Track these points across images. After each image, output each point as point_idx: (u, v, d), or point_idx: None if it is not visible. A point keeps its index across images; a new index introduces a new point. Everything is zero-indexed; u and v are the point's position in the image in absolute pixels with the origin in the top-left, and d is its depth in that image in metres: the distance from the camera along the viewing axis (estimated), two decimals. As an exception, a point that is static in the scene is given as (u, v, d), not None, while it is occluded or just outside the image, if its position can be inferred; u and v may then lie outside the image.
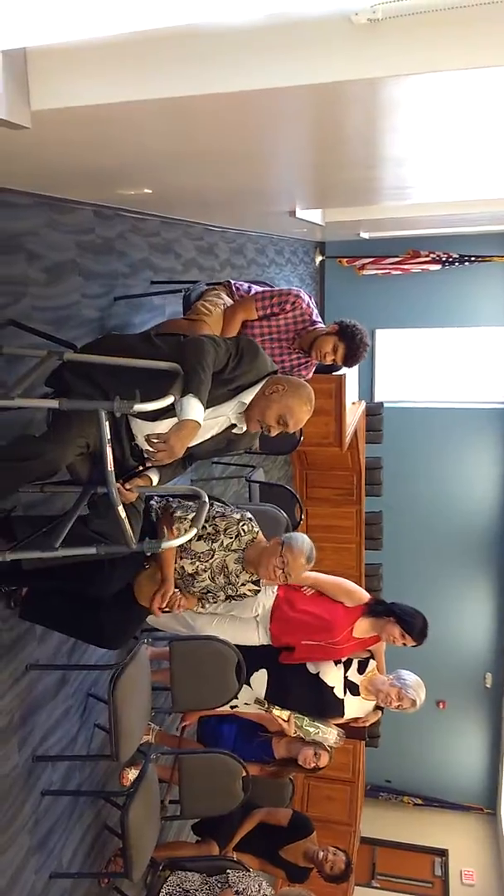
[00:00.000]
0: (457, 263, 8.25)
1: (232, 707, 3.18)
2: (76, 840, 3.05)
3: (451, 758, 9.91)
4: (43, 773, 2.79)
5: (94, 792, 3.16)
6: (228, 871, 3.11)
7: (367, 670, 3.05)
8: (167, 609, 2.65)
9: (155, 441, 2.04)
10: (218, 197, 3.55)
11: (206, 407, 2.11)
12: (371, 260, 8.42)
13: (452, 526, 9.31)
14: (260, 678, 3.06)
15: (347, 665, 3.04)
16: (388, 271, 8.40)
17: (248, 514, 2.76)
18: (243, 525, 2.69)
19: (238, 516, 2.72)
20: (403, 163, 2.89)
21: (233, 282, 3.40)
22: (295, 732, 3.05)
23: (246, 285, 3.39)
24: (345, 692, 3.02)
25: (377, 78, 1.42)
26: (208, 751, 3.29)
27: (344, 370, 5.61)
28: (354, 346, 3.17)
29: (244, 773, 3.02)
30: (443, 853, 9.45)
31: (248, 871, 3.14)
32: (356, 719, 3.10)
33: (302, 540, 2.70)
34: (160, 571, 2.64)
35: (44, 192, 2.71)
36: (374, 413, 7.93)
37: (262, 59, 1.41)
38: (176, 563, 2.73)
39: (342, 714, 3.04)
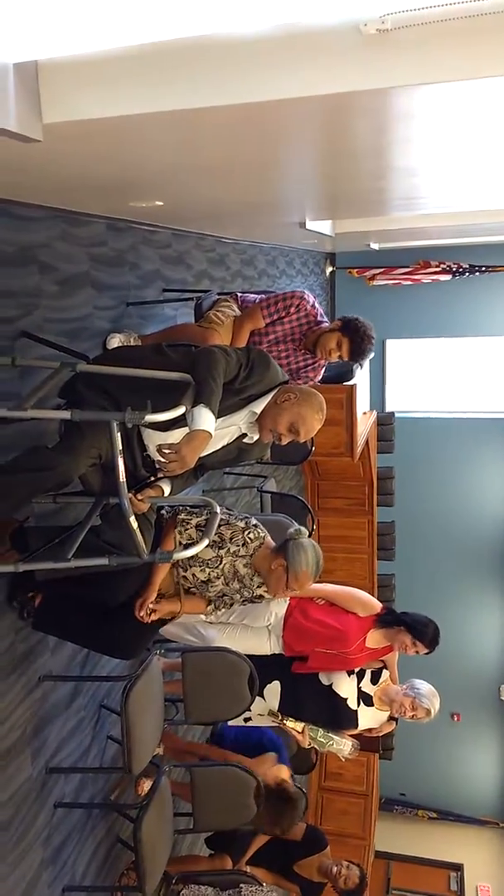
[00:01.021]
0: (467, 273, 8.24)
1: (245, 720, 3.16)
2: (89, 853, 3.03)
3: (466, 771, 9.79)
4: (56, 786, 2.78)
5: (107, 804, 3.14)
6: (241, 885, 3.08)
7: (381, 680, 3.02)
8: (154, 618, 2.61)
9: (166, 452, 2.05)
10: (229, 209, 3.57)
11: (217, 417, 2.11)
12: (381, 270, 8.43)
13: (465, 536, 9.24)
14: (273, 690, 3.04)
15: (360, 676, 3.01)
16: (398, 282, 8.40)
17: (253, 521, 2.74)
18: (249, 533, 2.68)
19: (242, 524, 2.70)
20: (414, 173, 2.90)
21: (239, 295, 3.41)
22: (309, 744, 3.02)
23: (251, 296, 3.40)
24: (358, 703, 3.00)
25: (387, 88, 1.42)
26: (221, 763, 3.26)
27: (355, 380, 5.61)
28: (359, 339, 3.16)
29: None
30: (458, 868, 9.31)
31: (262, 885, 3.11)
32: (370, 730, 3.08)
33: (305, 562, 2.62)
34: (153, 577, 2.62)
35: (57, 206, 2.74)
36: (385, 423, 7.91)
37: (271, 71, 1.42)
38: (186, 570, 2.72)
39: (356, 725, 3.01)
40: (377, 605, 3.03)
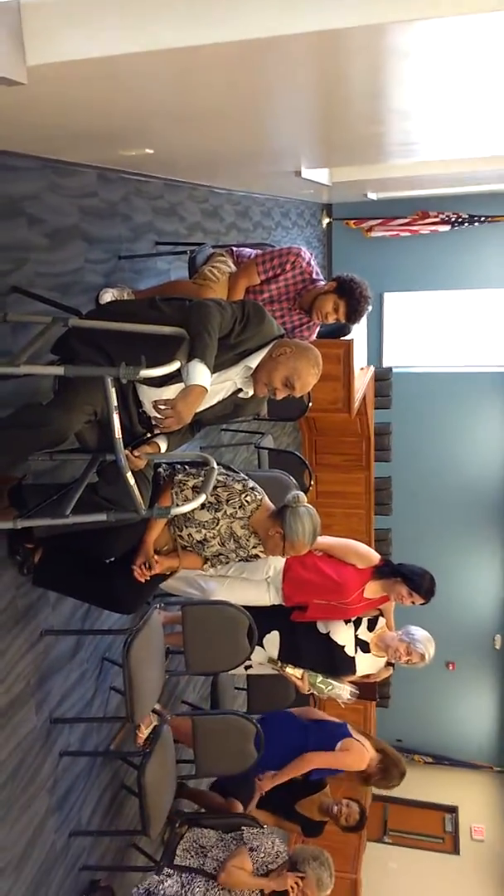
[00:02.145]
0: (466, 224, 8.08)
1: (246, 668, 3.22)
2: (94, 799, 3.12)
3: (461, 718, 10.07)
4: (60, 735, 2.85)
5: (112, 753, 3.22)
6: (243, 827, 3.18)
7: (377, 627, 3.09)
8: (154, 572, 2.64)
9: (162, 408, 2.03)
10: (222, 157, 3.47)
11: (213, 372, 2.09)
12: (379, 221, 8.26)
13: (462, 490, 9.31)
14: (272, 639, 3.10)
15: (357, 624, 3.07)
16: (396, 233, 8.25)
17: (251, 483, 2.74)
18: (246, 496, 2.68)
19: (240, 486, 2.69)
20: (410, 116, 2.81)
21: (234, 249, 3.35)
22: (309, 690, 3.09)
23: (247, 251, 3.34)
24: (356, 650, 3.06)
25: (382, 24, 1.37)
26: (222, 711, 3.35)
27: (352, 335, 5.56)
28: (355, 301, 3.12)
29: (258, 733, 3.07)
30: (453, 810, 9.66)
31: (263, 828, 3.21)
32: (368, 675, 3.15)
33: (302, 531, 2.62)
34: (146, 535, 2.63)
35: (44, 155, 2.66)
36: (382, 378, 7.88)
37: (265, 7, 1.36)
38: (182, 531, 2.74)
39: (354, 671, 3.08)
40: (375, 557, 3.07)
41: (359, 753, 3.35)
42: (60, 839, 2.84)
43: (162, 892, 2.98)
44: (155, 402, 2.09)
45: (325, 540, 3.05)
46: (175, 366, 2.01)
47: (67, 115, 2.07)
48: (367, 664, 3.12)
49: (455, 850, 9.14)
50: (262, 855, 3.05)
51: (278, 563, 3.05)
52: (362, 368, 6.36)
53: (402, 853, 9.01)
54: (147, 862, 3.35)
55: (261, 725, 3.14)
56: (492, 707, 10.01)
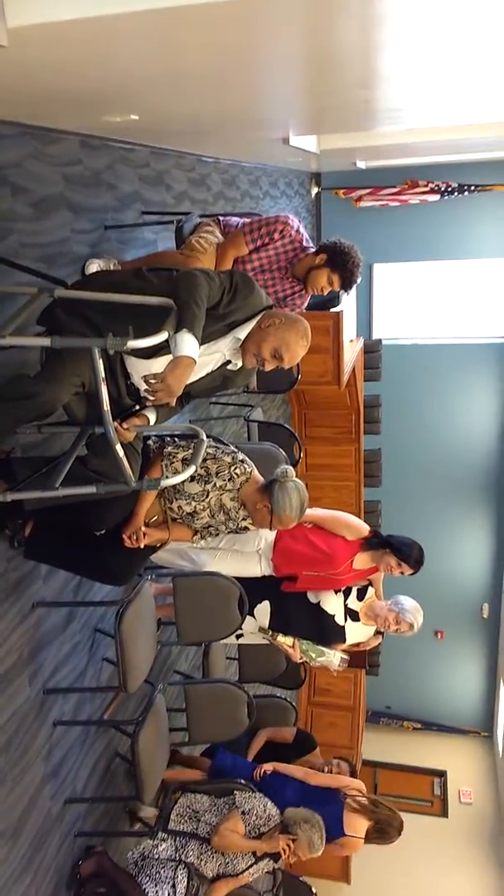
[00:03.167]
0: (456, 193, 8.00)
1: (238, 637, 3.26)
2: (89, 767, 3.17)
3: (450, 685, 10.25)
4: (54, 705, 2.88)
5: (105, 721, 3.26)
6: (235, 792, 3.25)
7: (366, 597, 3.13)
8: (143, 543, 2.65)
9: (152, 381, 2.02)
10: (209, 123, 3.41)
11: (201, 343, 2.08)
12: (368, 191, 8.17)
13: (451, 461, 9.36)
14: (263, 609, 3.13)
15: (347, 593, 3.11)
16: (385, 203, 8.16)
17: (240, 455, 2.74)
18: (236, 468, 2.68)
19: (229, 459, 2.69)
20: (399, 82, 2.76)
21: (221, 218, 3.30)
22: (300, 658, 3.14)
23: (234, 220, 3.29)
24: (345, 619, 3.10)
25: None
26: (213, 680, 3.39)
27: (341, 307, 5.53)
28: (348, 271, 3.11)
29: (249, 701, 3.12)
30: (442, 774, 9.88)
31: (254, 792, 3.28)
32: (358, 644, 3.20)
33: (289, 506, 2.63)
34: (137, 507, 2.64)
35: (26, 121, 2.60)
36: (372, 350, 7.86)
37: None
38: (172, 503, 2.74)
39: (344, 640, 3.12)
40: (364, 529, 3.09)
41: (353, 847, 3.43)
42: (56, 806, 2.89)
43: (157, 856, 3.05)
44: (145, 376, 2.07)
45: (315, 512, 3.07)
46: (163, 336, 2.00)
47: (50, 79, 2.02)
48: (356, 633, 3.16)
49: (443, 812, 9.37)
50: (254, 818, 3.12)
51: (269, 535, 3.07)
52: (352, 340, 6.33)
53: (391, 816, 9.21)
54: (142, 827, 3.42)
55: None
56: (479, 674, 10.19)
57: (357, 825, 3.37)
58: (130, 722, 3.05)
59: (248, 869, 3.11)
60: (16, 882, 2.60)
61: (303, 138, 4.65)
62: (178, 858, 3.05)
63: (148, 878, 2.94)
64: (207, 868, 3.07)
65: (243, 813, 3.13)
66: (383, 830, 3.43)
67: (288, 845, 3.07)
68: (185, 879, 2.98)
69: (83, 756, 3.12)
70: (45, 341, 1.97)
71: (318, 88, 2.80)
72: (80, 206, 3.00)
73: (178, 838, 3.12)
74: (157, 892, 2.90)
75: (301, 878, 5.28)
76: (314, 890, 5.12)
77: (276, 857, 3.13)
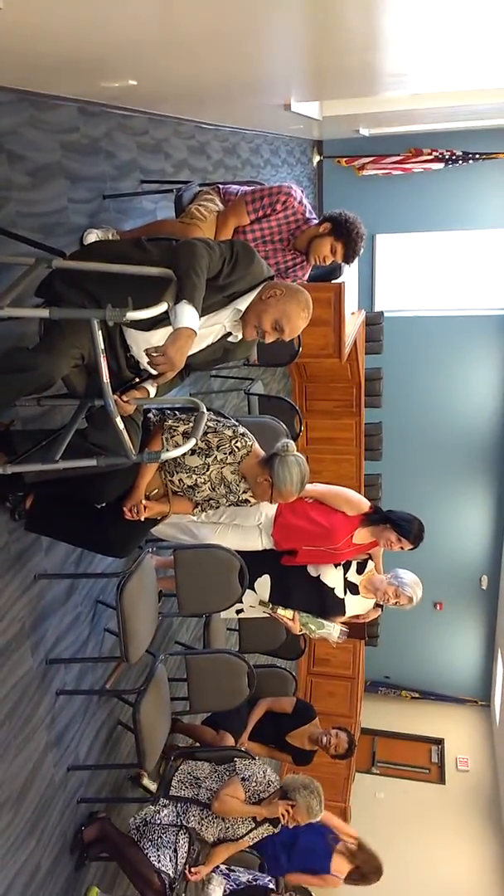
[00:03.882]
0: (460, 161, 7.88)
1: (238, 612, 3.29)
2: (91, 735, 3.22)
3: (448, 655, 10.37)
4: (57, 675, 2.92)
5: (107, 691, 3.30)
6: (236, 759, 3.30)
7: (366, 570, 3.14)
8: (144, 516, 2.66)
9: (154, 355, 2.00)
10: (209, 88, 3.34)
11: (201, 315, 2.06)
12: (371, 159, 8.05)
13: (452, 435, 9.35)
14: (263, 583, 3.15)
15: (346, 567, 3.13)
16: (388, 171, 8.04)
17: (241, 429, 2.73)
18: (236, 442, 2.68)
19: (230, 433, 2.68)
20: (403, 44, 2.70)
21: (221, 186, 3.24)
22: (300, 630, 3.17)
23: (235, 188, 3.24)
24: (345, 592, 3.12)
25: None
26: (214, 650, 3.42)
27: (342, 279, 5.47)
28: (352, 241, 3.07)
29: (249, 671, 3.15)
30: (439, 742, 10.05)
31: (255, 758, 3.34)
32: (357, 616, 3.23)
33: (290, 480, 2.63)
34: (137, 480, 2.64)
35: (22, 87, 2.55)
36: (373, 323, 7.80)
37: None
38: (173, 476, 2.74)
39: (344, 612, 3.15)
40: (365, 505, 3.09)
41: (333, 884, 3.67)
42: (59, 773, 2.94)
43: (158, 821, 3.11)
44: (146, 349, 2.05)
45: (315, 487, 3.07)
46: (162, 308, 1.98)
47: (47, 43, 1.97)
48: (356, 605, 3.18)
49: (441, 779, 9.55)
50: (254, 784, 3.18)
51: (269, 509, 3.07)
52: (353, 313, 6.27)
53: (389, 783, 9.41)
54: (144, 794, 3.48)
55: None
56: (477, 645, 10.31)
57: (342, 867, 3.65)
58: (132, 691, 3.09)
59: (248, 834, 3.18)
60: (20, 847, 2.65)
61: (305, 104, 4.56)
62: (179, 824, 3.12)
63: (150, 843, 3.01)
64: (208, 833, 3.14)
65: (243, 779, 3.19)
66: (364, 875, 3.69)
67: (287, 811, 3.13)
68: (187, 844, 3.05)
69: (86, 725, 3.17)
70: (44, 313, 1.95)
71: (320, 50, 2.73)
72: (78, 175, 2.95)
73: (179, 804, 3.18)
74: (158, 856, 2.97)
75: (300, 843, 5.40)
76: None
77: (275, 822, 3.20)
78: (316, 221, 3.14)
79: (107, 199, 3.19)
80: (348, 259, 3.15)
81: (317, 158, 8.41)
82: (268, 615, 3.23)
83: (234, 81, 3.22)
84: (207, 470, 2.71)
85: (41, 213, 2.70)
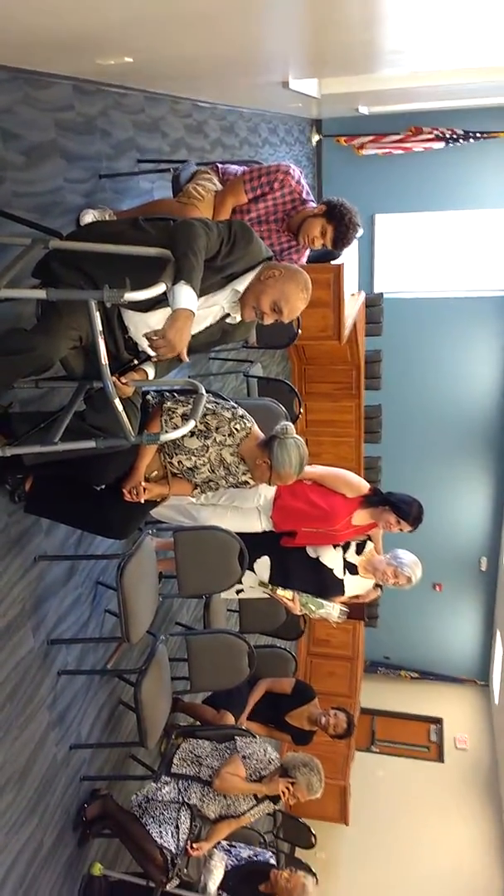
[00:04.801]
0: (461, 140, 7.79)
1: (238, 592, 3.31)
2: (93, 715, 3.25)
3: (447, 636, 10.45)
4: (58, 656, 2.94)
5: (108, 671, 3.33)
6: (236, 738, 3.34)
7: (366, 551, 3.16)
8: (143, 498, 2.67)
9: (154, 338, 1.99)
10: (206, 65, 3.29)
11: (199, 296, 2.04)
12: (371, 138, 7.96)
13: (452, 417, 9.35)
14: (263, 564, 3.17)
15: (346, 548, 3.14)
16: (388, 150, 7.95)
17: (240, 411, 2.73)
18: (235, 424, 2.68)
19: (229, 414, 2.68)
20: (402, 20, 2.65)
21: (220, 165, 3.21)
22: (300, 611, 3.19)
23: (233, 167, 3.21)
24: (344, 572, 3.14)
25: None
26: (214, 630, 3.45)
27: (342, 260, 5.44)
28: (343, 227, 3.03)
29: (249, 650, 3.17)
30: (438, 721, 10.15)
31: (255, 737, 3.37)
32: (357, 596, 3.24)
33: (289, 462, 2.63)
34: (137, 462, 2.65)
35: (16, 65, 2.51)
36: (373, 304, 7.76)
37: None
38: (173, 458, 2.74)
39: (343, 593, 3.17)
40: (364, 487, 3.10)
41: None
42: (61, 752, 2.97)
43: (160, 798, 3.15)
44: (146, 333, 2.04)
45: (315, 469, 3.07)
46: (160, 288, 1.96)
47: (42, 19, 1.94)
48: (355, 586, 3.20)
49: (440, 758, 9.66)
50: (255, 762, 3.22)
51: (268, 491, 3.08)
52: (353, 294, 6.24)
53: (388, 762, 9.52)
54: (145, 772, 3.52)
55: None
56: (476, 625, 10.38)
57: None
58: (133, 671, 3.12)
59: (249, 811, 3.22)
60: (24, 824, 2.69)
61: (303, 82, 4.50)
62: (181, 800, 3.16)
63: (152, 820, 3.05)
64: (210, 810, 3.18)
65: (244, 757, 3.22)
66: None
67: (287, 788, 3.17)
68: (188, 820, 3.09)
69: (87, 704, 3.20)
70: (40, 293, 1.94)
71: (318, 25, 2.69)
72: (74, 154, 2.92)
73: (180, 781, 3.22)
74: (161, 832, 3.01)
75: (300, 820, 5.49)
76: (313, 831, 5.32)
77: (276, 799, 3.24)
78: (313, 203, 3.11)
79: (103, 179, 3.17)
80: (337, 245, 3.09)
81: (316, 138, 8.32)
82: (268, 596, 3.25)
83: (232, 58, 3.17)
84: (206, 452, 2.71)
85: (37, 193, 2.68)
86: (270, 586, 3.18)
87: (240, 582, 3.11)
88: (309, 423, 7.25)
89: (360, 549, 3.14)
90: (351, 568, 3.14)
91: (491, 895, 7.85)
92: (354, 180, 8.23)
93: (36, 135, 2.66)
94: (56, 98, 2.81)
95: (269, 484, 2.77)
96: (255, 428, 2.74)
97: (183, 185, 3.08)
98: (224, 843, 3.59)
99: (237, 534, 3.01)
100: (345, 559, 3.13)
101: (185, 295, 1.97)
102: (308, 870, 4.41)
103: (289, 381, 5.12)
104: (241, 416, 2.71)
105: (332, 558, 3.12)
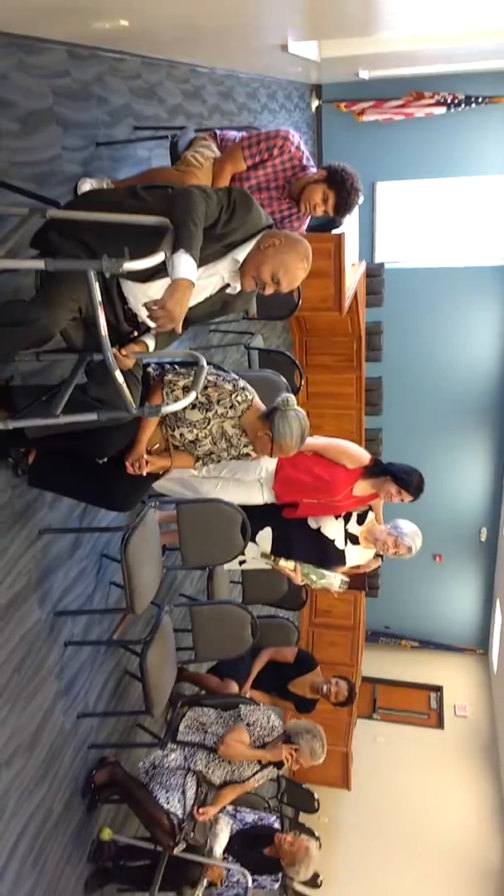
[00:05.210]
0: (463, 105, 7.64)
1: (241, 563, 3.33)
2: (100, 684, 3.30)
3: (447, 605, 10.55)
4: (64, 627, 2.97)
5: (114, 641, 3.37)
6: (240, 705, 3.39)
7: (366, 521, 3.17)
8: (146, 471, 2.67)
9: (154, 308, 1.97)
10: (203, 26, 3.21)
11: (199, 265, 2.02)
12: (371, 104, 7.81)
13: (453, 388, 9.32)
14: (265, 535, 3.19)
15: (347, 518, 3.15)
16: (389, 116, 7.81)
17: (241, 382, 2.72)
18: (237, 396, 2.67)
19: (230, 386, 2.67)
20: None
21: (218, 132, 3.15)
22: (302, 581, 3.21)
23: (232, 133, 3.15)
24: (345, 543, 3.16)
25: None
26: (218, 601, 3.48)
27: (342, 229, 5.37)
28: (345, 193, 2.98)
29: (252, 620, 3.21)
30: (438, 689, 10.29)
31: (259, 705, 3.42)
32: (358, 566, 3.27)
33: (290, 434, 2.63)
34: (139, 435, 2.64)
35: (10, 30, 2.45)
36: (374, 275, 7.69)
37: None
38: (174, 430, 2.74)
39: (344, 563, 3.19)
40: (366, 457, 3.10)
41: None
42: (69, 721, 3.02)
43: (167, 764, 3.21)
44: (146, 303, 2.02)
45: (316, 441, 3.07)
46: (159, 257, 1.94)
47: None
48: (356, 556, 3.22)
49: (440, 725, 9.81)
50: (259, 729, 3.27)
51: (270, 464, 3.08)
52: (353, 264, 6.18)
53: (389, 728, 9.67)
54: (152, 739, 3.58)
55: None
56: (476, 595, 10.47)
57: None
58: (139, 642, 3.15)
59: (253, 776, 3.28)
60: (33, 791, 2.74)
61: (302, 44, 4.40)
62: (187, 767, 3.22)
63: (159, 786, 3.11)
64: (215, 776, 3.24)
65: (248, 724, 3.28)
66: None
67: (291, 754, 3.22)
68: (195, 786, 3.15)
69: (94, 674, 3.24)
70: (39, 264, 1.92)
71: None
72: (70, 122, 2.87)
73: (186, 748, 3.27)
74: (167, 798, 3.07)
75: (304, 785, 5.60)
76: (316, 796, 5.43)
77: (279, 765, 3.30)
78: (313, 168, 3.06)
79: (100, 147, 3.11)
80: (339, 211, 3.04)
81: (315, 103, 8.16)
82: (270, 566, 3.27)
83: (230, 19, 3.10)
84: (208, 424, 2.71)
85: (34, 162, 2.64)
86: (273, 557, 3.20)
87: (242, 553, 3.13)
88: (310, 396, 7.23)
89: (361, 520, 3.16)
90: (352, 538, 3.16)
91: (489, 857, 8.04)
92: (355, 147, 8.09)
93: (31, 102, 2.61)
94: (51, 64, 2.75)
95: (271, 456, 2.77)
96: (257, 400, 2.73)
97: (181, 152, 3.03)
98: (229, 807, 3.68)
99: (239, 506, 3.02)
100: (346, 530, 3.14)
101: (184, 264, 1.95)
102: (311, 833, 4.52)
103: (290, 353, 5.09)
104: (243, 389, 2.70)
105: (333, 529, 3.13)
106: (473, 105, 7.59)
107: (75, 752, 3.07)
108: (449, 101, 7.59)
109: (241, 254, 2.23)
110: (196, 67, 4.32)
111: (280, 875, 3.71)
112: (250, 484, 3.13)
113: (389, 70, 7.23)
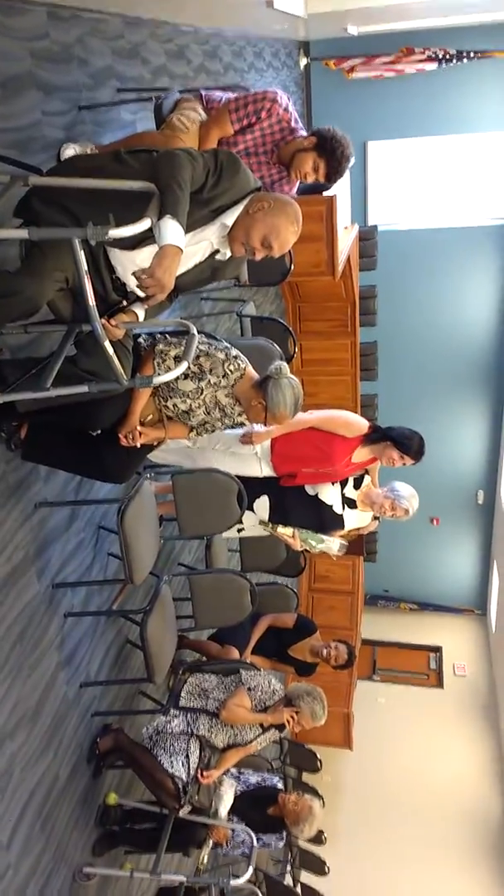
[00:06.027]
0: (455, 61, 7.46)
1: (239, 531, 3.34)
2: (101, 654, 3.33)
3: (445, 568, 10.65)
4: (64, 599, 2.99)
5: (114, 611, 3.40)
6: (241, 670, 3.43)
7: (363, 485, 3.18)
8: (140, 442, 2.66)
9: (142, 277, 1.93)
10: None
11: (186, 231, 1.98)
12: (361, 61, 7.62)
13: (449, 351, 9.27)
14: (262, 504, 3.19)
15: (344, 483, 3.16)
16: (380, 73, 7.63)
17: (234, 351, 2.69)
18: (229, 365, 2.64)
19: (223, 355, 2.65)
20: None
21: (203, 93, 3.07)
22: (301, 547, 3.23)
23: (218, 94, 3.06)
24: (343, 508, 3.17)
25: None
26: (216, 570, 3.50)
27: (334, 191, 5.27)
28: (336, 161, 2.91)
29: (251, 588, 3.23)
30: (437, 650, 10.45)
31: (259, 670, 3.47)
32: (357, 529, 3.28)
33: (283, 403, 2.60)
34: (132, 406, 2.63)
35: (-16, -12, 2.37)
36: (367, 238, 7.57)
37: None
38: (167, 401, 2.72)
39: (343, 527, 3.21)
40: (364, 426, 3.08)
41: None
42: (72, 690, 3.05)
43: (170, 730, 3.26)
44: (134, 272, 1.99)
45: (311, 416, 3.05)
46: (146, 223, 1.90)
47: None
48: (354, 519, 3.24)
49: (439, 684, 9.99)
50: (260, 693, 3.31)
51: (266, 441, 3.07)
52: (346, 227, 6.08)
53: (390, 689, 9.84)
54: (154, 706, 3.63)
55: None
56: (473, 557, 10.57)
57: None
58: (139, 611, 3.17)
59: (255, 739, 3.34)
60: (38, 759, 2.79)
61: (288, 1, 4.26)
62: (190, 732, 3.27)
63: (163, 751, 3.16)
64: (218, 739, 3.30)
65: (249, 689, 3.32)
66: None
67: (292, 717, 3.27)
68: (198, 750, 3.21)
69: (95, 644, 3.27)
70: (22, 233, 1.88)
71: None
72: (51, 85, 2.79)
73: (189, 714, 3.32)
74: (171, 762, 3.12)
75: (306, 746, 5.70)
76: (319, 756, 5.54)
77: (281, 727, 3.35)
78: (303, 132, 2.98)
79: (83, 111, 3.04)
80: (330, 178, 2.98)
81: (304, 61, 7.96)
82: (268, 534, 3.29)
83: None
84: (201, 394, 2.69)
85: (14, 129, 2.57)
86: (271, 525, 3.21)
87: (240, 522, 3.13)
88: (304, 363, 7.19)
89: (357, 484, 3.16)
90: (349, 503, 3.17)
91: (489, 812, 8.25)
92: (345, 106, 7.91)
93: (10, 66, 2.53)
94: (30, 26, 2.66)
95: (265, 425, 2.76)
96: (250, 368, 2.71)
97: (166, 115, 2.95)
98: (233, 770, 3.74)
99: (237, 476, 3.02)
100: (343, 494, 3.15)
101: (171, 230, 1.91)
102: (315, 793, 4.61)
103: (282, 320, 5.05)
104: (235, 357, 2.68)
105: (330, 495, 3.14)
106: (465, 60, 7.41)
107: (79, 720, 3.11)
108: (440, 56, 7.41)
109: (230, 218, 2.18)
110: (180, 26, 4.20)
111: (284, 834, 3.80)
112: (246, 457, 3.13)
113: (379, 25, 7.04)
